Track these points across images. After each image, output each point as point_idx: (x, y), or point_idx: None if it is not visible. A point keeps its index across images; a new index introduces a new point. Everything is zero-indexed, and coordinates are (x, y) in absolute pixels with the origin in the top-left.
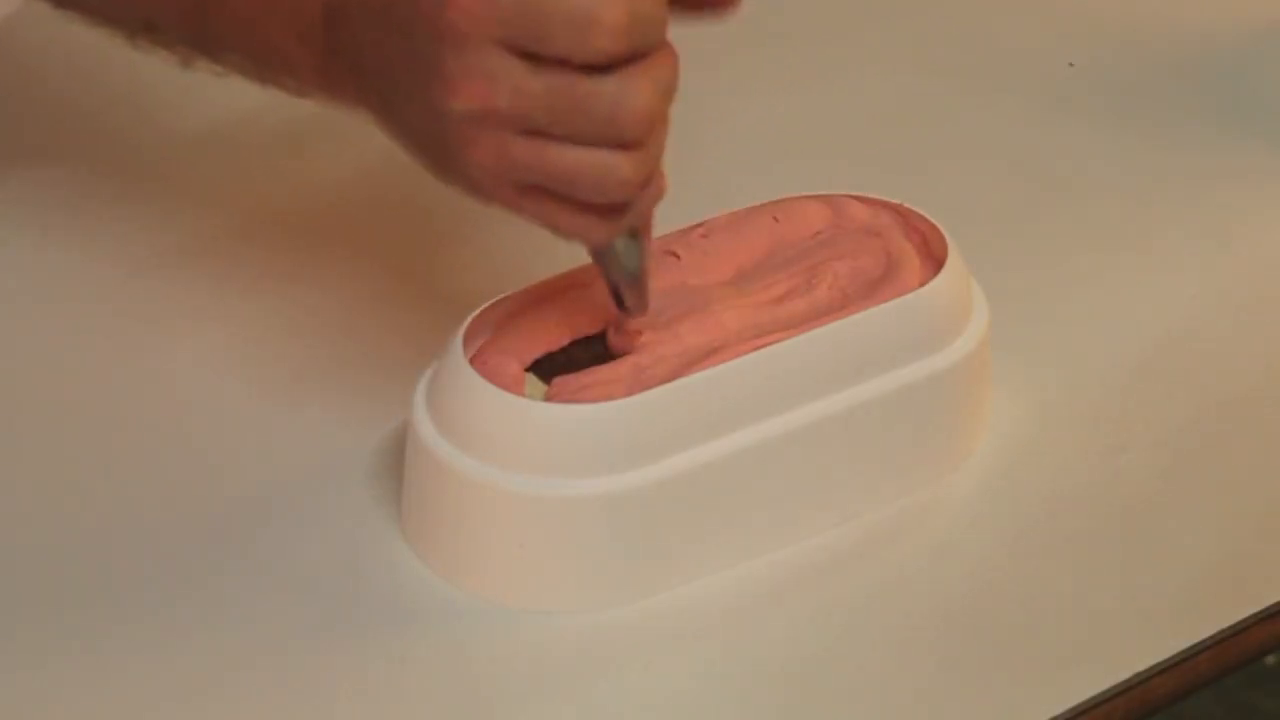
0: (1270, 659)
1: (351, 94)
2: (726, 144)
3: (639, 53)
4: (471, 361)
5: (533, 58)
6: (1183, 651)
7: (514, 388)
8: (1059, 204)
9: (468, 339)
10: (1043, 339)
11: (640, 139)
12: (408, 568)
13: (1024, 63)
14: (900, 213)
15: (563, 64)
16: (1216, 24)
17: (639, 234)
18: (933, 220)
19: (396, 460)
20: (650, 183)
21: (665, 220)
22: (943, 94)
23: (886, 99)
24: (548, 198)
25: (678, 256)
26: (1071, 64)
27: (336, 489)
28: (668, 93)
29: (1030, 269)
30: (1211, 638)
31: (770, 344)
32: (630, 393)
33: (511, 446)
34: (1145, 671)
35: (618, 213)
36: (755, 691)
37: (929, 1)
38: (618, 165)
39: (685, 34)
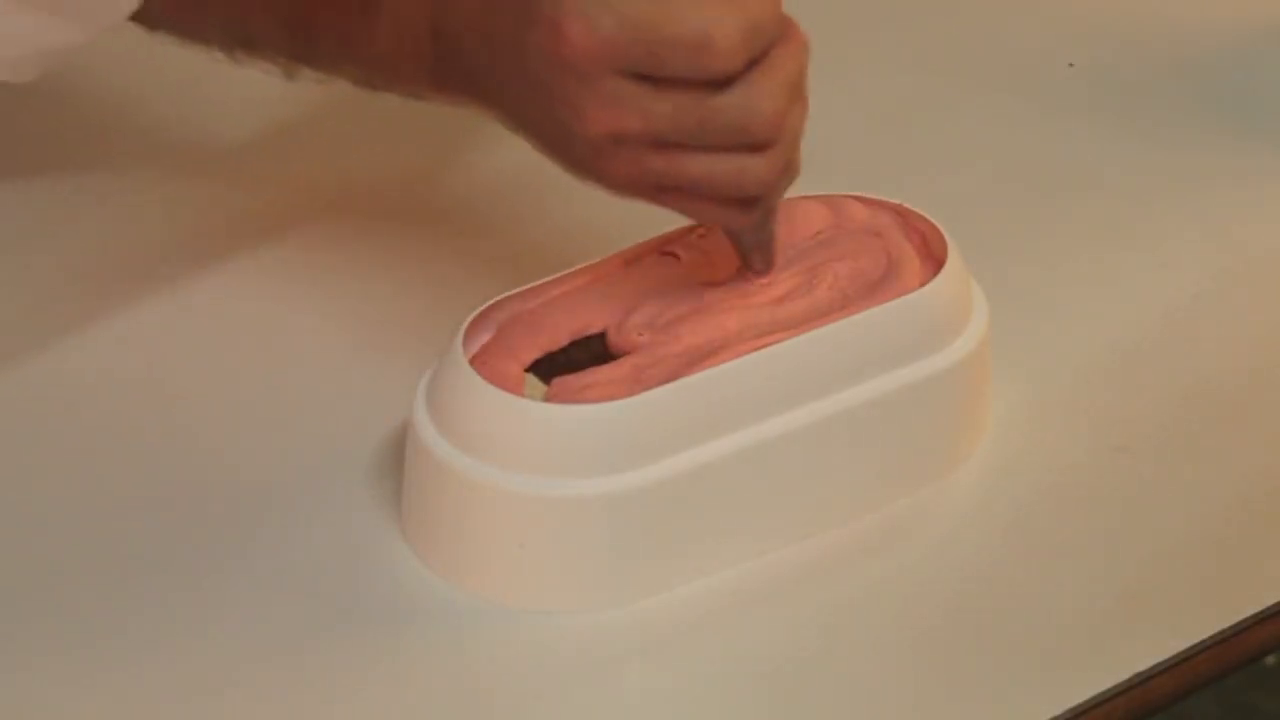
0: (1270, 659)
1: (472, 102)
2: None
3: (759, 57)
4: (471, 361)
5: (656, 80)
6: (1183, 651)
7: (514, 388)
8: (1059, 204)
9: (468, 339)
10: (1043, 339)
11: (772, 139)
12: (408, 568)
13: (1024, 63)
14: (900, 213)
15: (686, 83)
16: (1216, 24)
17: (771, 206)
18: (933, 220)
19: (396, 460)
20: (787, 170)
21: (665, 221)
22: (943, 94)
23: (886, 99)
24: (688, 195)
25: (678, 256)
26: (1071, 64)
27: (336, 489)
28: (796, 86)
29: (1030, 269)
30: (1211, 638)
31: (770, 344)
32: (630, 393)
33: (511, 446)
34: (1145, 671)
35: (755, 203)
36: (755, 691)
37: (929, 1)
38: (753, 167)
39: None
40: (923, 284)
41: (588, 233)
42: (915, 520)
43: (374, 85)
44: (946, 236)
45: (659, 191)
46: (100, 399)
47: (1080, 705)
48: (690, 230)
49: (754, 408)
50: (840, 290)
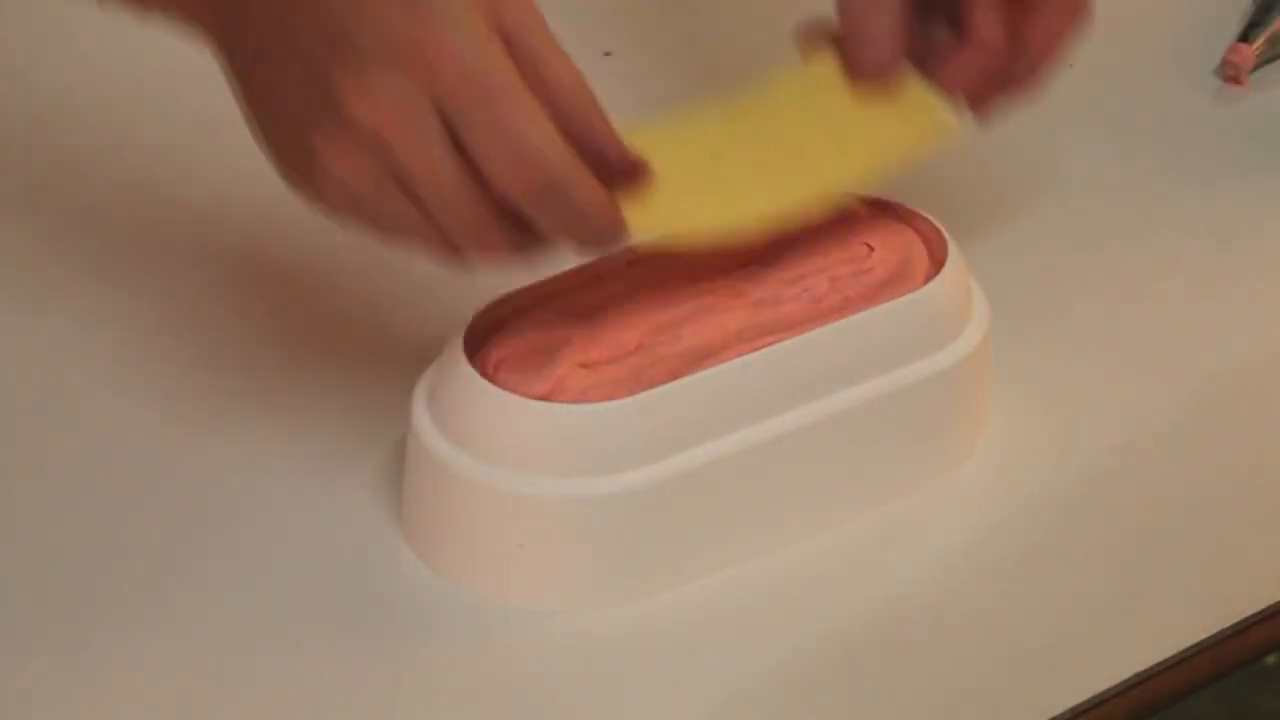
0: (1270, 659)
1: (221, 27)
2: None
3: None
4: (472, 361)
5: (458, 135)
6: (1183, 651)
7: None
8: (1059, 204)
9: (468, 339)
10: (1043, 339)
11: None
12: (408, 568)
13: None
14: (900, 213)
15: (483, 158)
16: (1216, 24)
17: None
18: (933, 220)
19: (397, 460)
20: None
21: None
22: None
23: None
24: (370, 224)
25: (678, 256)
26: (1071, 65)
27: (337, 489)
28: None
29: (1030, 269)
30: (1211, 638)
31: (771, 344)
32: (630, 393)
33: (511, 446)
34: (1145, 671)
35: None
36: (755, 691)
37: None
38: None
39: (685, 33)
40: (923, 284)
41: None
42: (915, 520)
43: None
44: (947, 236)
45: (361, 206)
46: (101, 398)
47: (1080, 705)
48: None
49: (754, 408)
50: (841, 290)
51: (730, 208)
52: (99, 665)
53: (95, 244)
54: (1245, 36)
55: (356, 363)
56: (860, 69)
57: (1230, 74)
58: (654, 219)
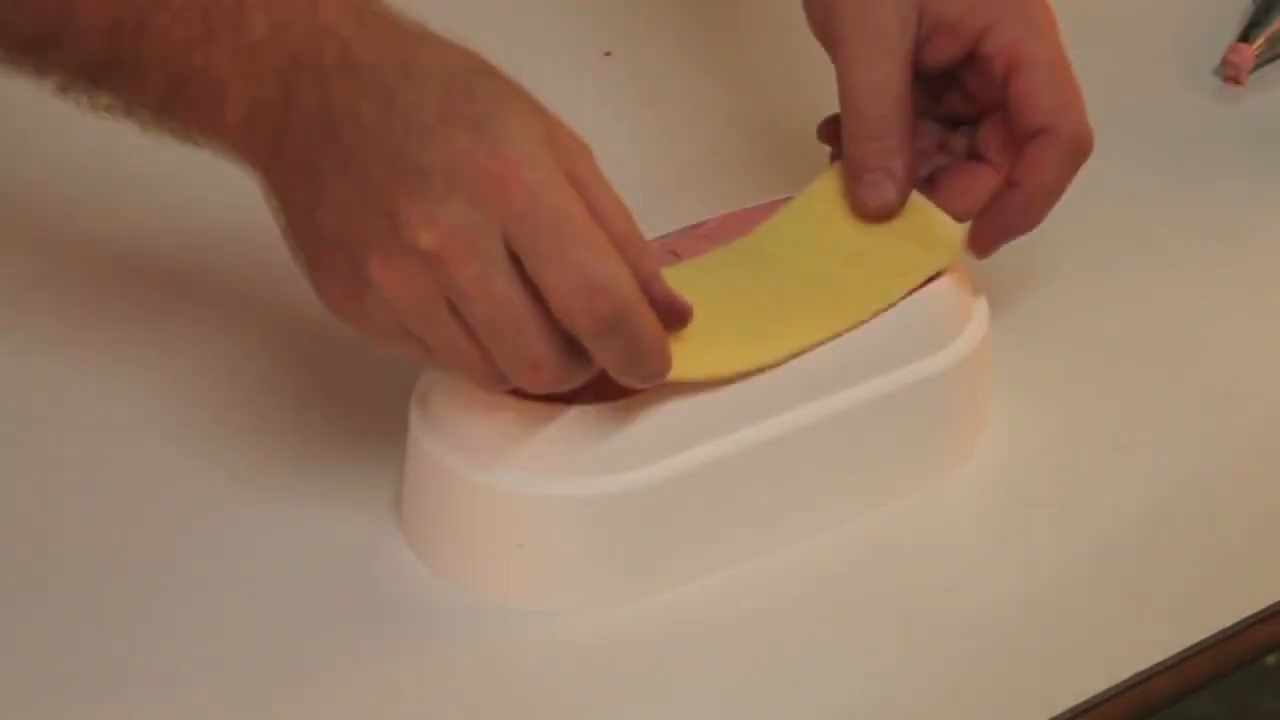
0: (1270, 659)
1: (267, 154)
2: (727, 143)
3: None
4: None
5: (521, 262)
6: (1183, 651)
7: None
8: (1059, 204)
9: None
10: (1043, 339)
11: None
12: (408, 568)
13: None
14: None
15: (547, 287)
16: (1216, 24)
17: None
18: None
19: (397, 460)
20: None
21: (666, 220)
22: None
23: None
24: (422, 352)
25: (678, 256)
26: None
27: (336, 489)
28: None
29: (1030, 269)
30: (1211, 638)
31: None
32: (630, 392)
33: (511, 446)
34: (1145, 671)
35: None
36: (755, 691)
37: None
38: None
39: (685, 33)
40: (923, 284)
41: None
42: (915, 520)
43: (164, 111)
44: None
45: (411, 329)
46: (100, 398)
47: (1080, 705)
48: (690, 230)
49: (754, 408)
50: None
51: (757, 348)
52: (99, 665)
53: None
54: (1245, 36)
55: (356, 363)
56: (865, 210)
57: (1230, 74)
58: (689, 363)
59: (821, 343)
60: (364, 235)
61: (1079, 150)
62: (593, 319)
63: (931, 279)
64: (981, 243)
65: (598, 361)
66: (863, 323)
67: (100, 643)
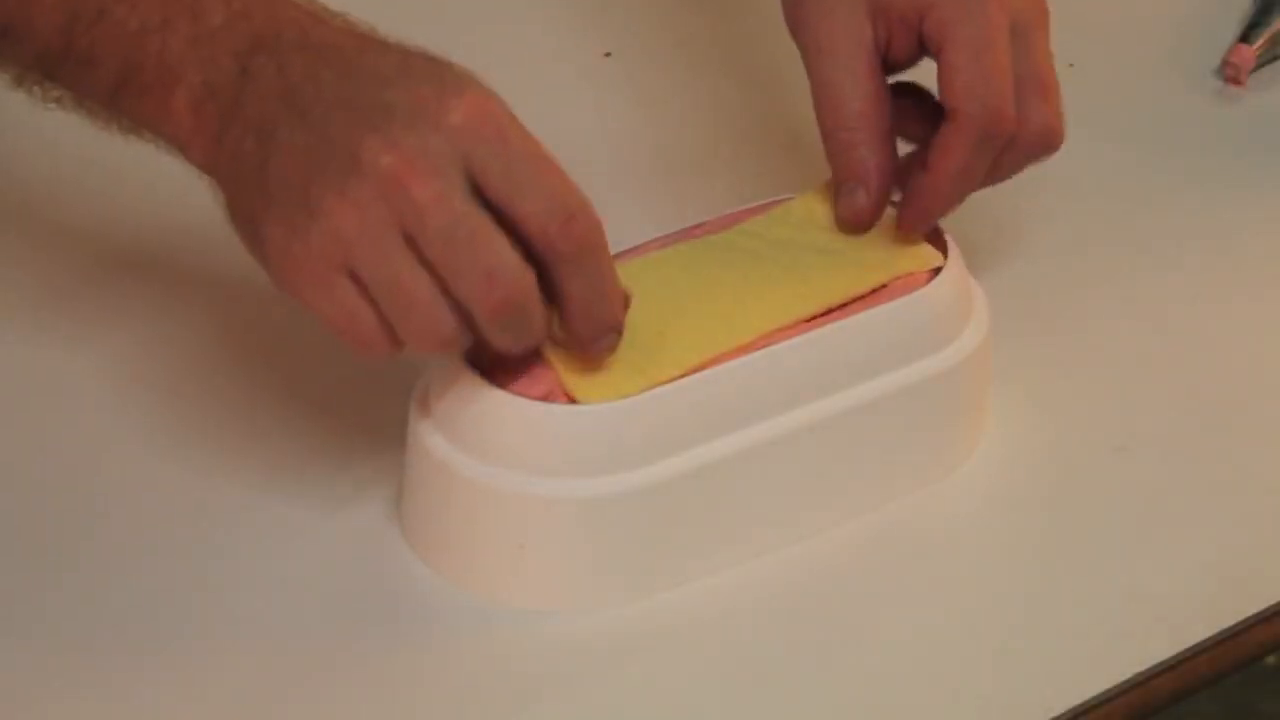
0: (1270, 659)
1: (213, 133)
2: (727, 143)
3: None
4: (471, 361)
5: (484, 194)
6: (1183, 651)
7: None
8: (1059, 204)
9: None
10: (1043, 339)
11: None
12: (408, 568)
13: None
14: None
15: (525, 217)
16: (1216, 24)
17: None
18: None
19: (397, 460)
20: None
21: (666, 220)
22: None
23: None
24: (356, 297)
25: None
26: (1071, 65)
27: (337, 489)
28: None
29: (1030, 269)
30: (1211, 638)
31: (771, 344)
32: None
33: (512, 446)
34: (1145, 671)
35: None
36: (755, 691)
37: None
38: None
39: (685, 33)
40: (923, 285)
41: None
42: (915, 520)
43: (117, 96)
44: (947, 236)
45: (342, 273)
46: (100, 398)
47: (1080, 705)
48: (690, 230)
49: (754, 408)
50: None
51: (722, 331)
52: (98, 665)
53: (89, 261)
54: (1245, 37)
55: (357, 363)
56: (841, 217)
57: (1230, 74)
58: (656, 341)
59: (786, 327)
60: (321, 172)
61: (991, 135)
62: (570, 243)
63: (931, 279)
64: (905, 223)
65: (566, 295)
66: (830, 309)
67: (100, 643)
